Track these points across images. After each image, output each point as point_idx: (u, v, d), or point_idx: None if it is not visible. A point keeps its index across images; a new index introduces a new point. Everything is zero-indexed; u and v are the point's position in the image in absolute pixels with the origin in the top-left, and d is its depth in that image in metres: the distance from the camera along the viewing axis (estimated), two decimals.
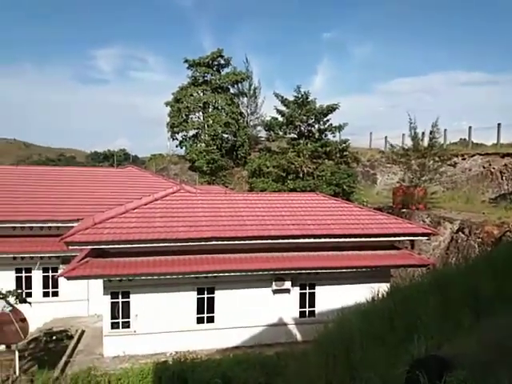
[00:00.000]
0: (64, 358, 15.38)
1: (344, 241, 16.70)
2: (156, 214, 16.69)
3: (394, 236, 17.37)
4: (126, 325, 15.45)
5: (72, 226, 17.50)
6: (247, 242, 15.86)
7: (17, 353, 15.24)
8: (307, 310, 16.87)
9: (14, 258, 20.53)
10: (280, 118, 37.47)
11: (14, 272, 20.71)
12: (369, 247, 17.18)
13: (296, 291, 16.68)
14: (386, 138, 38.59)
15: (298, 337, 16.47)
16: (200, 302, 16.00)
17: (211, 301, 16.10)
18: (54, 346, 18.06)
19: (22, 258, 20.60)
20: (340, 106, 35.61)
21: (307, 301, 16.85)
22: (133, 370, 13.45)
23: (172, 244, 15.38)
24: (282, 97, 37.21)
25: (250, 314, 16.10)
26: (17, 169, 28.20)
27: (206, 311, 16.05)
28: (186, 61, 45.59)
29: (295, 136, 37.17)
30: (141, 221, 16.00)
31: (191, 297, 15.87)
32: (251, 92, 49.47)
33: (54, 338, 18.86)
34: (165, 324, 15.51)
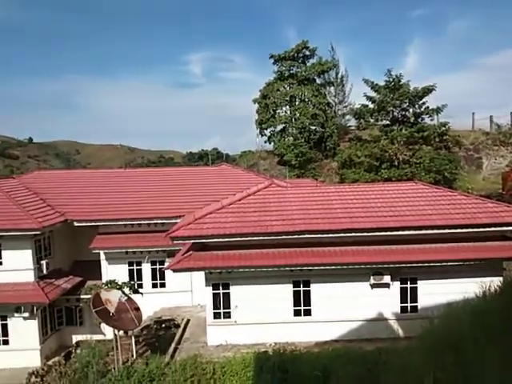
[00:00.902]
0: (173, 345, 16.62)
1: (448, 232, 15.55)
2: (250, 208, 17.18)
3: (506, 225, 15.72)
4: (227, 315, 16.19)
5: (175, 222, 18.82)
6: (341, 235, 15.59)
7: (133, 338, 16.88)
8: (409, 305, 16.08)
9: (127, 253, 22.73)
10: (370, 105, 36.05)
11: (126, 265, 22.95)
12: (477, 238, 15.79)
13: (396, 286, 15.98)
14: (491, 117, 35.12)
15: (400, 332, 15.80)
16: (296, 294, 16.14)
17: (307, 294, 16.15)
18: (163, 334, 19.63)
19: (134, 253, 22.73)
20: (436, 86, 33.16)
21: (408, 296, 16.05)
22: (235, 358, 14.04)
23: (266, 238, 15.73)
24: (372, 82, 35.72)
25: (348, 307, 15.83)
26: (125, 171, 31.09)
27: (302, 304, 16.14)
28: (272, 56, 45.95)
29: (388, 122, 35.49)
30: (236, 216, 16.61)
31: (287, 289, 16.08)
32: (338, 80, 48.23)
33: (163, 326, 20.49)
34: (263, 315, 15.94)
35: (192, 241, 16.23)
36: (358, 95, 53.71)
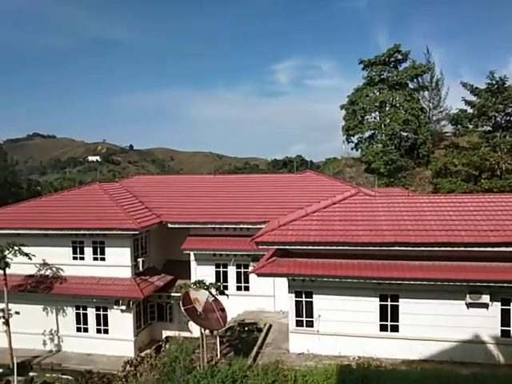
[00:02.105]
0: (255, 349, 16.86)
1: None
2: (335, 217, 16.88)
3: None
4: (310, 324, 16.03)
5: (260, 228, 19.18)
6: (435, 248, 14.60)
7: (218, 338, 17.48)
8: None
9: (214, 255, 23.68)
10: (469, 110, 33.51)
11: (213, 267, 23.91)
12: None
13: (496, 306, 14.52)
14: None
15: (500, 358, 14.31)
16: (383, 308, 15.45)
17: (395, 309, 15.36)
18: (246, 336, 20.03)
19: (220, 255, 23.61)
20: None
21: None
22: (317, 369, 13.83)
23: (352, 248, 15.31)
24: (472, 86, 33.20)
25: (440, 326, 14.74)
26: (214, 177, 32.49)
27: (389, 319, 15.41)
28: (361, 62, 44.95)
29: (489, 128, 32.71)
30: (321, 224, 16.43)
31: (373, 303, 15.46)
32: (433, 84, 45.63)
33: (246, 329, 20.91)
34: (347, 327, 15.51)
35: (276, 247, 16.39)
36: (454, 99, 50.35)
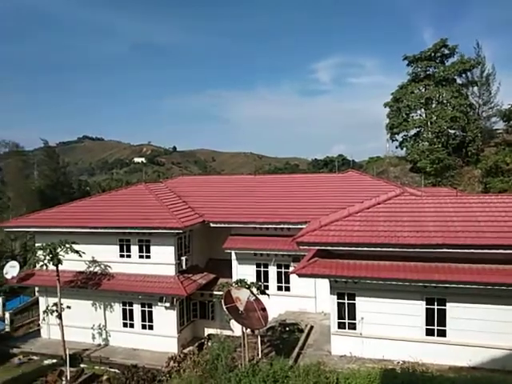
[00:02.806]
0: (296, 350, 16.78)
1: None
2: (379, 217, 16.47)
3: None
4: (352, 326, 15.74)
5: (301, 228, 19.08)
6: (486, 251, 13.90)
7: (259, 338, 17.55)
8: None
9: (255, 254, 23.79)
10: None
11: (254, 266, 24.03)
12: None
13: None
14: None
15: None
16: (429, 312, 14.91)
17: (442, 313, 14.79)
18: (287, 337, 19.97)
19: (261, 255, 23.68)
20: None
21: None
22: (360, 372, 13.56)
23: (396, 249, 14.88)
24: None
25: (492, 333, 14.02)
26: (255, 178, 32.66)
27: (436, 323, 14.85)
28: (406, 58, 43.66)
29: None
30: (364, 224, 16.09)
31: (419, 306, 14.95)
32: (483, 79, 43.46)
33: (287, 329, 20.85)
34: (390, 331, 15.09)
35: (317, 247, 16.23)
36: (507, 95, 47.75)
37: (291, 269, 21.40)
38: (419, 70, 42.73)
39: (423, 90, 42.80)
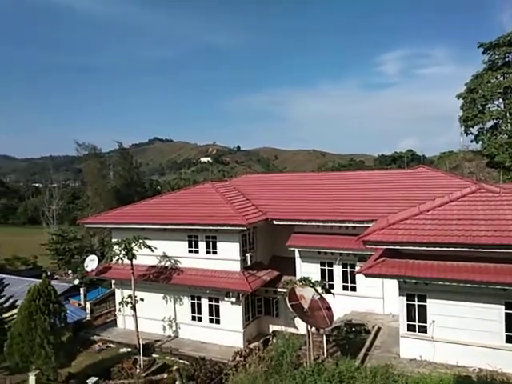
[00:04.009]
0: (363, 351, 16.40)
1: None
2: (452, 216, 15.56)
3: None
4: (423, 329, 15.06)
5: (367, 226, 18.57)
6: None
7: (324, 337, 17.39)
8: None
9: (319, 253, 23.58)
10: None
11: (319, 265, 23.81)
12: None
13: None
14: None
15: None
16: (509, 318, 13.84)
17: None
18: (353, 337, 19.57)
19: (325, 253, 23.42)
20: None
21: None
22: (431, 377, 12.97)
23: (471, 249, 13.97)
24: None
25: None
26: (318, 175, 32.32)
27: None
28: (481, 45, 40.73)
29: None
30: (436, 223, 15.29)
31: (497, 311, 13.93)
32: None
33: (353, 329, 20.42)
34: (466, 336, 14.22)
35: (385, 246, 15.71)
36: None
37: (357, 268, 20.95)
38: (497, 57, 39.63)
39: (501, 79, 39.69)
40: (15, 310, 23.86)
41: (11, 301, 25.90)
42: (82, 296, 35.07)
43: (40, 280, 22.22)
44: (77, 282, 39.45)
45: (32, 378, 20.35)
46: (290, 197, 27.44)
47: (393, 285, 16.20)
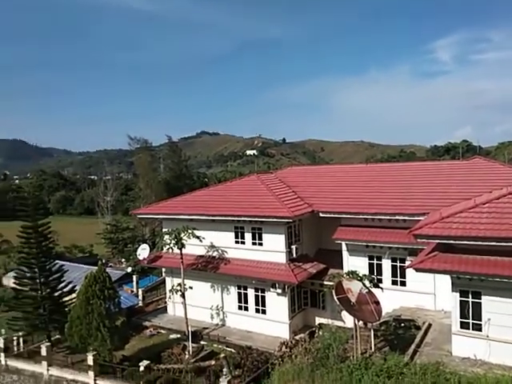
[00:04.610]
0: (413, 347, 15.97)
1: None
2: (511, 209, 14.68)
3: None
4: (477, 327, 14.42)
5: (418, 220, 17.96)
6: None
7: (372, 331, 17.09)
8: None
9: (367, 246, 23.11)
10: None
11: (366, 258, 23.35)
12: None
13: None
14: None
15: None
16: None
17: None
18: (402, 333, 19.08)
19: (374, 247, 22.91)
20: None
21: None
22: (487, 377, 12.42)
23: None
24: None
25: None
26: (367, 166, 31.59)
27: None
28: None
29: None
30: (493, 216, 14.49)
31: None
32: None
33: (403, 325, 19.91)
34: None
35: (437, 241, 15.13)
36: None
37: (407, 263, 20.35)
38: None
39: None
40: (74, 295, 25.46)
41: (70, 286, 27.63)
42: (134, 283, 36.71)
43: (96, 267, 23.54)
44: (129, 269, 41.34)
45: (90, 358, 21.65)
46: (337, 189, 27.04)
47: (445, 280, 15.61)
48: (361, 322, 17.20)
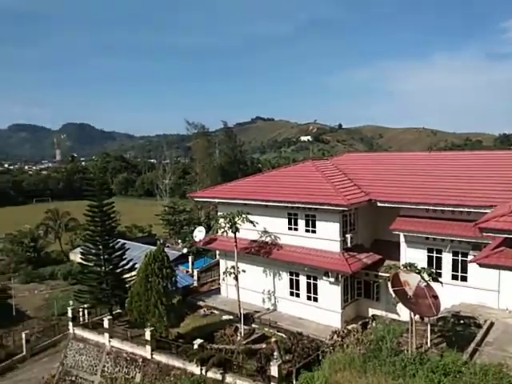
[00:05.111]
0: (472, 345, 15.19)
1: None
2: None
3: None
4: None
5: (484, 212, 16.90)
6: None
7: (429, 326, 16.48)
8: None
9: (427, 238, 22.12)
10: None
11: (426, 251, 22.37)
12: None
13: None
14: None
15: None
16: None
17: None
18: (461, 330, 18.23)
19: (434, 239, 21.89)
20: None
21: None
22: None
23: None
24: None
25: None
26: (429, 155, 30.07)
27: None
28: None
29: None
30: None
31: None
32: None
33: (462, 322, 19.00)
34: None
35: (505, 235, 14.14)
36: None
37: (470, 257, 19.29)
38: None
39: None
40: (134, 272, 26.87)
41: (131, 264, 29.17)
42: (189, 264, 38.07)
43: (154, 247, 24.62)
44: (185, 250, 42.89)
45: (148, 334, 22.85)
46: (397, 177, 26.05)
47: (511, 277, 14.63)
48: (417, 316, 16.65)
